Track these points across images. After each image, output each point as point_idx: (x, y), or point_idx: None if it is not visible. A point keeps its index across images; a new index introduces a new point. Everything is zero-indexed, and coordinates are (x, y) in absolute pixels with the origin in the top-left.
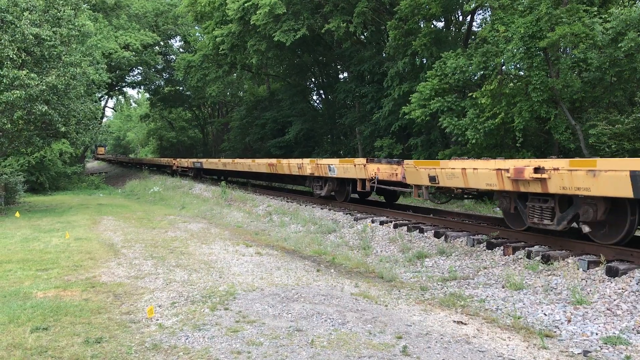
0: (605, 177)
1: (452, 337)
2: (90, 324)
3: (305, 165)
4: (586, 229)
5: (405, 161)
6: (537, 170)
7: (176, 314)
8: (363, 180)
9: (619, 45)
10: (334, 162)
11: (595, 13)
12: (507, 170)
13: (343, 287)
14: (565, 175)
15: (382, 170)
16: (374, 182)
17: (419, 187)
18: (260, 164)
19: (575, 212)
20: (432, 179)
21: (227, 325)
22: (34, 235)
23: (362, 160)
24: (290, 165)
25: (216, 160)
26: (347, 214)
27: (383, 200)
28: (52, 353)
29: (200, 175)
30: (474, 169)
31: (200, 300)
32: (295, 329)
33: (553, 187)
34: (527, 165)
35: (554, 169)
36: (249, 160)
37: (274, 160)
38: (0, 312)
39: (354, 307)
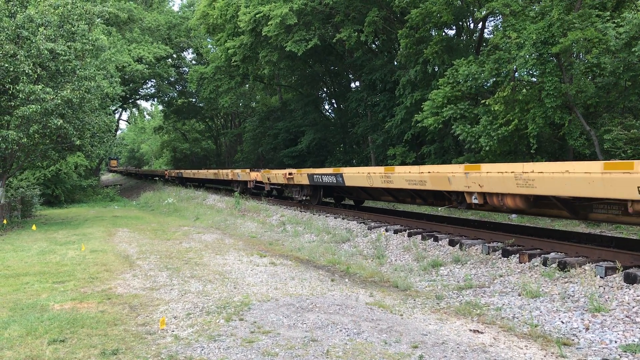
0: (304, 176)
1: (469, 346)
2: (107, 335)
3: (229, 174)
4: (305, 198)
5: (262, 170)
6: (290, 174)
7: (191, 324)
8: (251, 181)
9: (633, 49)
10: (239, 171)
11: (608, 18)
12: (285, 174)
13: (358, 296)
14: (298, 176)
15: (259, 175)
16: (254, 183)
17: (267, 184)
18: (210, 173)
19: (304, 192)
20: (269, 179)
21: (242, 335)
22: (50, 247)
23: (247, 170)
24: (224, 174)
25: (189, 170)
26: (360, 223)
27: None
28: None
29: (183, 182)
30: (277, 174)
31: (215, 311)
32: (311, 339)
33: (296, 182)
34: (288, 171)
35: (295, 174)
36: (205, 171)
37: (216, 171)
38: (18, 324)
39: (369, 316)
